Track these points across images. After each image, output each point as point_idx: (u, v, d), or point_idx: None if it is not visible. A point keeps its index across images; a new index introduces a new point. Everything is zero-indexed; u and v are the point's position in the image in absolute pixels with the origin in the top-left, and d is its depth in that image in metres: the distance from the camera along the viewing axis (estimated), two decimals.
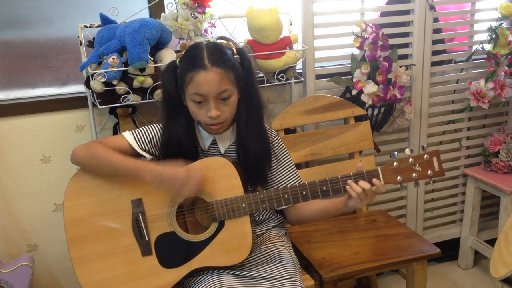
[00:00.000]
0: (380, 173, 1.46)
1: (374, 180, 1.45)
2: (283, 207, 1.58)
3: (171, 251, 1.50)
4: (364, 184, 1.44)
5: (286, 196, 1.48)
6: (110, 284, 1.50)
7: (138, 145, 1.54)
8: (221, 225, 1.49)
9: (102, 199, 1.50)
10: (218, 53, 1.44)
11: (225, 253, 1.48)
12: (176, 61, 1.51)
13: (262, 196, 1.48)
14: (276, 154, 1.61)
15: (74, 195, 1.51)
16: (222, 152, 1.58)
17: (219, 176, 1.49)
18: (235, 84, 1.46)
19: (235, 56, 1.48)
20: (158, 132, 1.56)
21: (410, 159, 1.46)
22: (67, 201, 1.51)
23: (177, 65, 1.49)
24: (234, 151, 1.58)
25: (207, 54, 1.43)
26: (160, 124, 1.57)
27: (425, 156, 1.46)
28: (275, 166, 1.61)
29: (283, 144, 1.64)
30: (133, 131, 1.56)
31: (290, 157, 1.65)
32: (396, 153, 1.47)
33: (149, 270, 1.50)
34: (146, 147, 1.55)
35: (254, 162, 1.55)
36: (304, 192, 1.48)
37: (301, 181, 1.63)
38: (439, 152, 1.48)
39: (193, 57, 1.44)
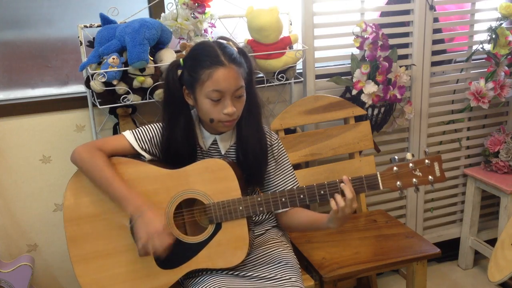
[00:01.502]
0: (379, 177, 1.44)
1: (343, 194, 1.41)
2: (280, 210, 1.57)
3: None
4: (339, 198, 1.40)
5: (283, 199, 1.47)
6: (109, 284, 1.50)
7: (139, 144, 1.54)
8: (218, 227, 1.49)
9: (101, 199, 1.51)
10: (228, 50, 1.45)
11: (222, 255, 1.48)
12: (179, 60, 1.50)
13: (259, 199, 1.47)
14: (275, 157, 1.61)
15: (74, 194, 1.52)
16: (223, 153, 1.58)
17: (217, 178, 1.48)
18: (245, 82, 1.47)
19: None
20: (159, 132, 1.56)
21: (411, 164, 1.42)
22: (66, 200, 1.52)
23: (181, 64, 1.49)
24: (234, 152, 1.58)
25: (220, 52, 1.43)
26: (161, 124, 1.57)
27: (426, 161, 1.42)
28: (273, 169, 1.60)
29: (283, 148, 1.64)
30: (133, 130, 1.56)
31: (289, 161, 1.64)
32: (396, 157, 1.44)
33: (146, 270, 1.50)
34: (146, 147, 1.54)
35: (253, 161, 1.54)
36: (301, 196, 1.47)
37: (298, 185, 1.62)
38: (441, 157, 1.44)
39: (206, 54, 1.43)
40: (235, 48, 1.50)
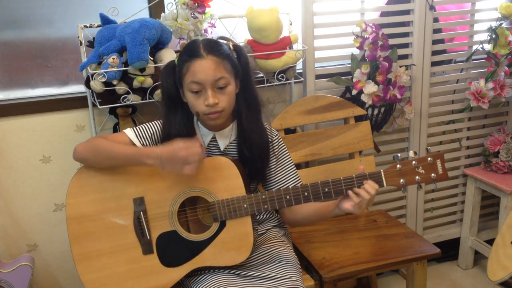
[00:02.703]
0: (382, 175, 1.45)
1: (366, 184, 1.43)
2: (285, 208, 1.57)
3: (172, 250, 1.50)
4: (369, 187, 1.42)
5: (288, 197, 1.48)
6: (112, 282, 1.50)
7: (139, 141, 1.54)
8: (222, 225, 1.49)
9: (104, 197, 1.51)
10: (213, 43, 1.47)
11: (226, 253, 1.48)
12: (175, 60, 1.51)
13: (263, 196, 1.48)
14: (276, 153, 1.61)
15: (77, 193, 1.52)
16: (222, 149, 1.58)
17: (221, 176, 1.49)
18: (232, 74, 1.47)
19: (232, 52, 1.50)
20: (159, 128, 1.57)
21: (414, 162, 1.44)
22: (69, 198, 1.51)
23: (176, 64, 1.50)
24: (235, 149, 1.58)
25: (202, 45, 1.45)
26: (161, 121, 1.58)
27: (429, 158, 1.44)
28: (274, 166, 1.61)
29: (283, 144, 1.64)
30: (134, 128, 1.57)
31: (290, 157, 1.64)
32: (399, 155, 1.45)
33: (150, 268, 1.50)
34: (147, 143, 1.55)
35: (258, 156, 1.55)
36: (306, 194, 1.47)
37: (300, 181, 1.63)
38: (443, 155, 1.45)
39: (189, 49, 1.46)
40: (230, 45, 1.51)
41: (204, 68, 1.42)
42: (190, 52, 1.45)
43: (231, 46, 1.50)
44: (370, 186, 1.43)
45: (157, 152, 1.42)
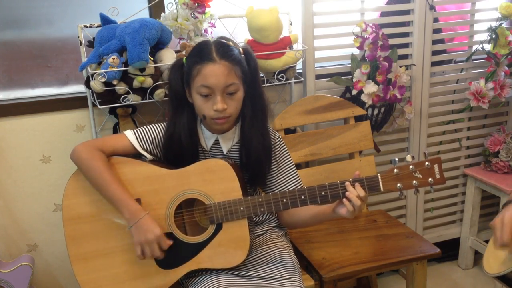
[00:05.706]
0: (379, 179, 1.44)
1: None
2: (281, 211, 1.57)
3: (169, 252, 1.50)
4: (359, 189, 1.42)
5: (284, 200, 1.47)
6: (108, 283, 1.51)
7: (140, 145, 1.54)
8: (219, 228, 1.49)
9: (100, 198, 1.50)
10: (226, 48, 1.45)
11: (223, 256, 1.48)
12: (183, 59, 1.51)
13: (260, 199, 1.47)
14: (277, 157, 1.61)
15: (73, 194, 1.52)
16: (225, 152, 1.58)
17: (218, 178, 1.48)
18: (242, 80, 1.47)
19: (242, 55, 1.49)
20: (161, 132, 1.56)
21: (411, 166, 1.43)
22: (66, 199, 1.52)
23: (184, 63, 1.50)
24: (237, 152, 1.58)
25: (215, 49, 1.44)
26: (163, 124, 1.58)
27: (426, 163, 1.43)
28: (275, 169, 1.60)
29: (285, 147, 1.64)
30: (135, 130, 1.56)
31: (291, 160, 1.64)
32: (397, 159, 1.45)
33: (146, 270, 1.50)
34: (148, 147, 1.55)
35: (255, 162, 1.54)
36: (302, 197, 1.47)
37: (301, 183, 1.62)
38: (441, 159, 1.44)
39: (201, 51, 1.45)
40: (240, 48, 1.50)
41: (216, 73, 1.41)
42: (201, 54, 1.44)
43: (241, 50, 1.50)
44: (360, 191, 1.42)
45: (136, 216, 1.43)
